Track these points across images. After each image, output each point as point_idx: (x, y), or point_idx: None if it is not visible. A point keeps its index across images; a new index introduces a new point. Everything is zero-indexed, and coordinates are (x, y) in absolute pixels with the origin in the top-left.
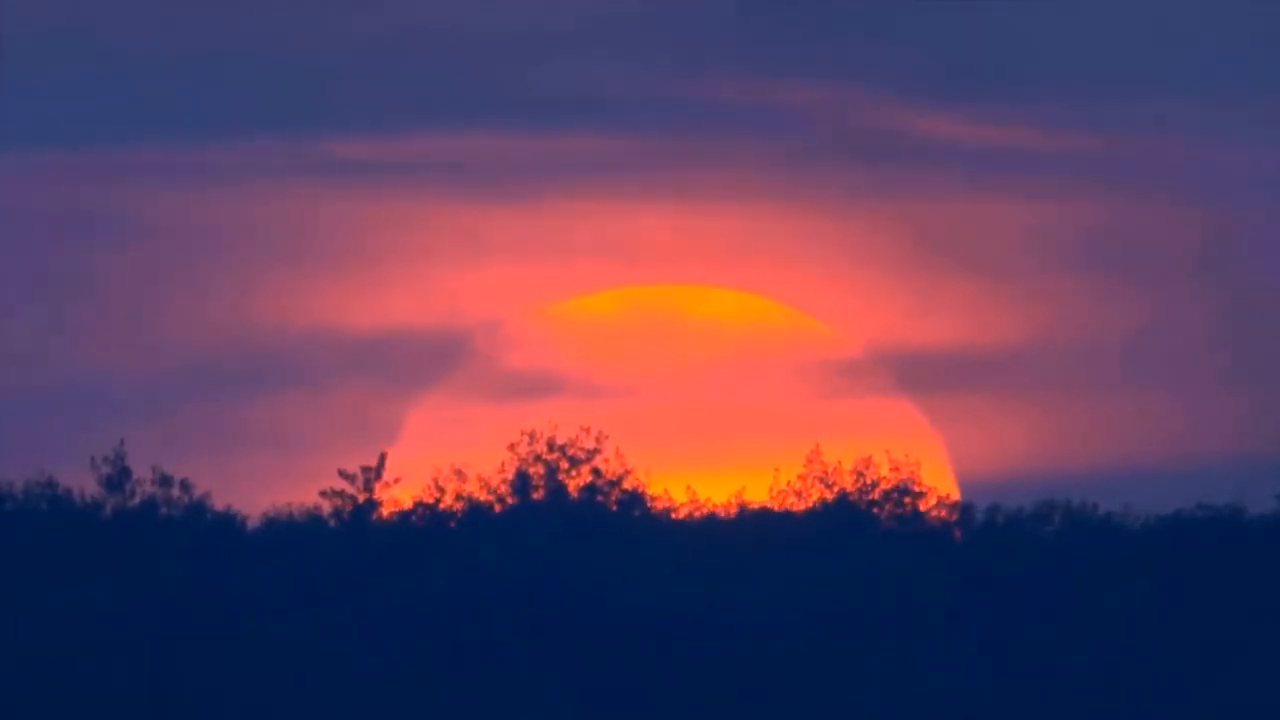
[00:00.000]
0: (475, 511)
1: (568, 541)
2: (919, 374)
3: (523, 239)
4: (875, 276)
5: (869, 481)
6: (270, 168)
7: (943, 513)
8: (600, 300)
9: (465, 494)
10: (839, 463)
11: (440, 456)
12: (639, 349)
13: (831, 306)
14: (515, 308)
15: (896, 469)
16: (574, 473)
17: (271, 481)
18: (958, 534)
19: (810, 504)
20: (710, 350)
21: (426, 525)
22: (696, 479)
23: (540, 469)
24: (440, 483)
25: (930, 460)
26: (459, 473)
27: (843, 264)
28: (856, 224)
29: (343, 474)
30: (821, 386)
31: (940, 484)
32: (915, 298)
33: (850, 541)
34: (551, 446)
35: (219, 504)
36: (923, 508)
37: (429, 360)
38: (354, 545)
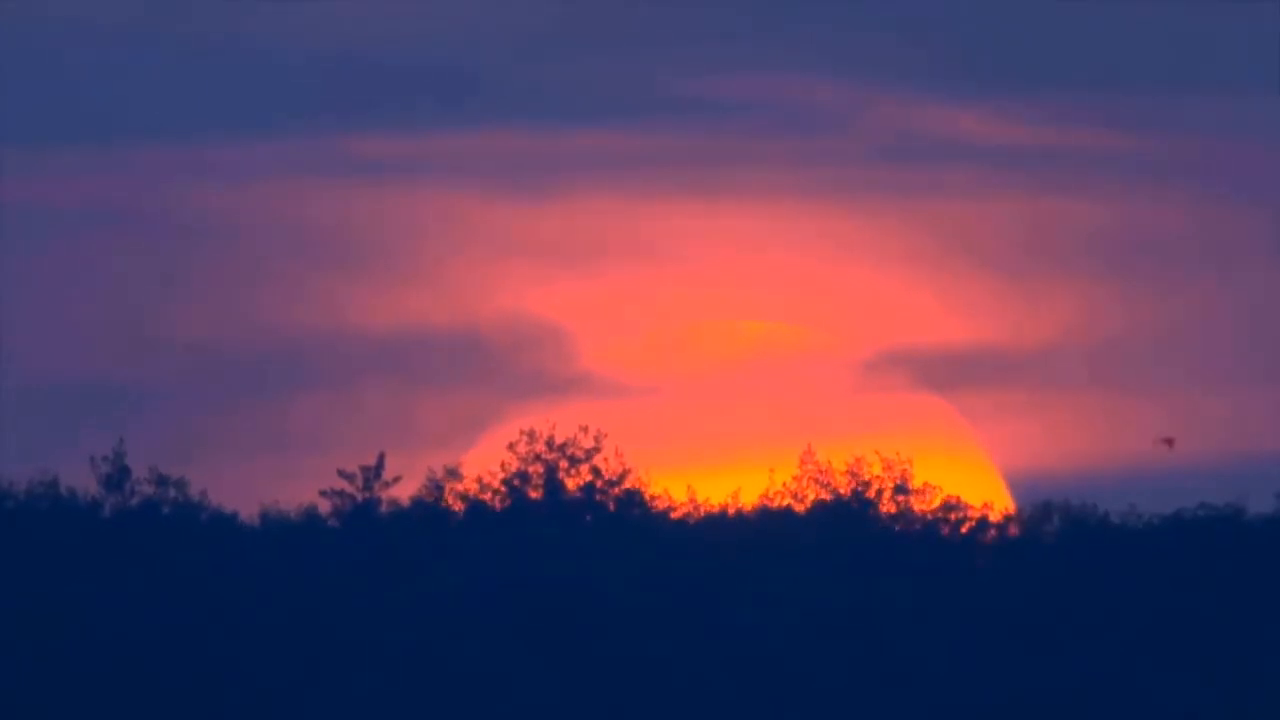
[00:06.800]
0: (475, 511)
1: (566, 540)
2: (922, 373)
3: (542, 237)
4: (889, 274)
5: (862, 480)
6: (284, 166)
7: (942, 513)
8: (615, 306)
9: (464, 493)
10: (829, 462)
11: (445, 456)
12: (656, 351)
13: (846, 304)
14: (530, 307)
15: (889, 467)
16: (573, 472)
17: (280, 482)
18: (950, 532)
19: (808, 504)
20: (719, 353)
21: (426, 524)
22: (709, 479)
23: (540, 468)
24: (439, 482)
25: (969, 458)
26: (457, 472)
27: (857, 261)
28: (877, 221)
29: (342, 473)
30: (827, 386)
31: (978, 481)
32: (925, 296)
33: (848, 541)
34: (551, 445)
35: (219, 503)
36: (919, 507)
37: (445, 360)
38: (353, 544)
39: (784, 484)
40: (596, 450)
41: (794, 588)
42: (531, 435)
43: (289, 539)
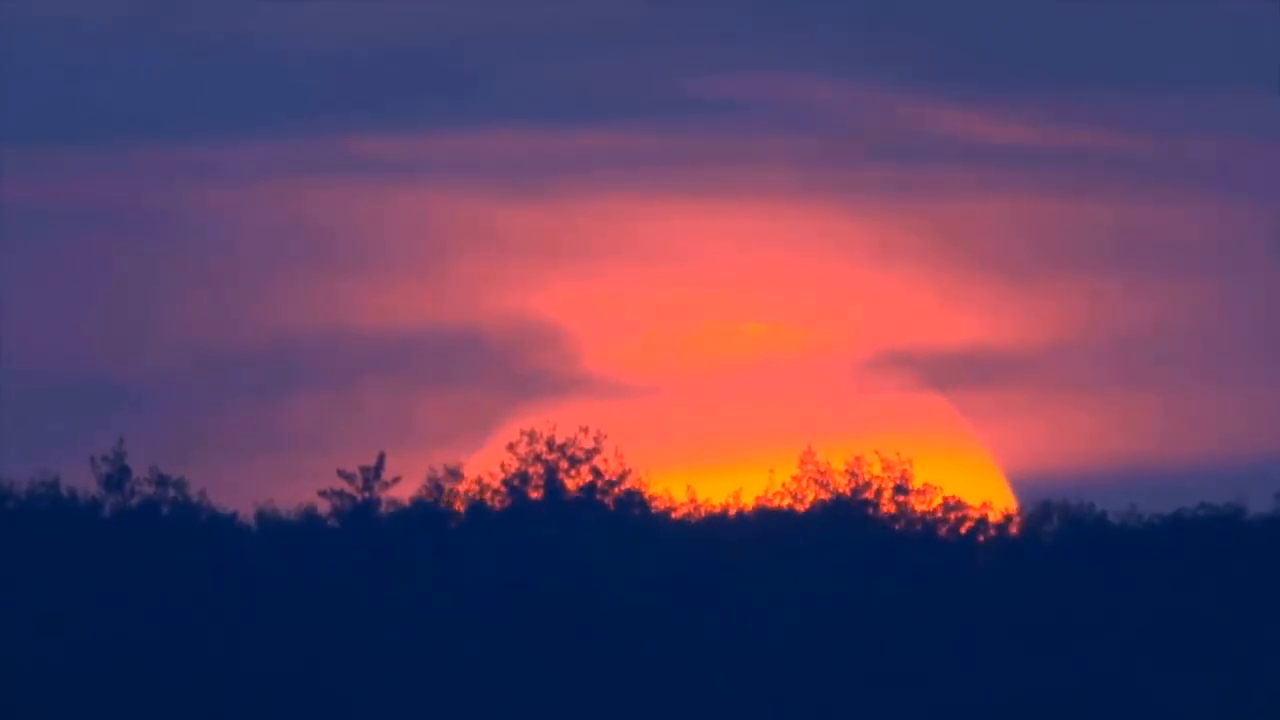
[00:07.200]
0: (475, 511)
1: (566, 541)
2: (922, 373)
3: (542, 237)
4: (889, 274)
5: (862, 481)
6: (284, 166)
7: (942, 513)
8: (615, 306)
9: (465, 493)
10: (829, 462)
11: (445, 456)
12: (656, 351)
13: (846, 304)
14: (530, 308)
15: (889, 467)
16: (573, 472)
17: (280, 482)
18: (950, 532)
19: (808, 504)
20: (719, 353)
21: (426, 524)
22: (709, 479)
23: (540, 469)
24: (440, 482)
25: (970, 458)
26: (458, 472)
27: (857, 261)
28: (877, 221)
29: (341, 473)
30: (827, 386)
31: (979, 481)
32: (925, 296)
33: (848, 541)
34: (551, 446)
35: (219, 504)
36: (919, 507)
37: (446, 359)
38: (353, 544)
39: (784, 484)
40: (596, 451)
41: (794, 588)
42: (531, 436)
43: (288, 539)
